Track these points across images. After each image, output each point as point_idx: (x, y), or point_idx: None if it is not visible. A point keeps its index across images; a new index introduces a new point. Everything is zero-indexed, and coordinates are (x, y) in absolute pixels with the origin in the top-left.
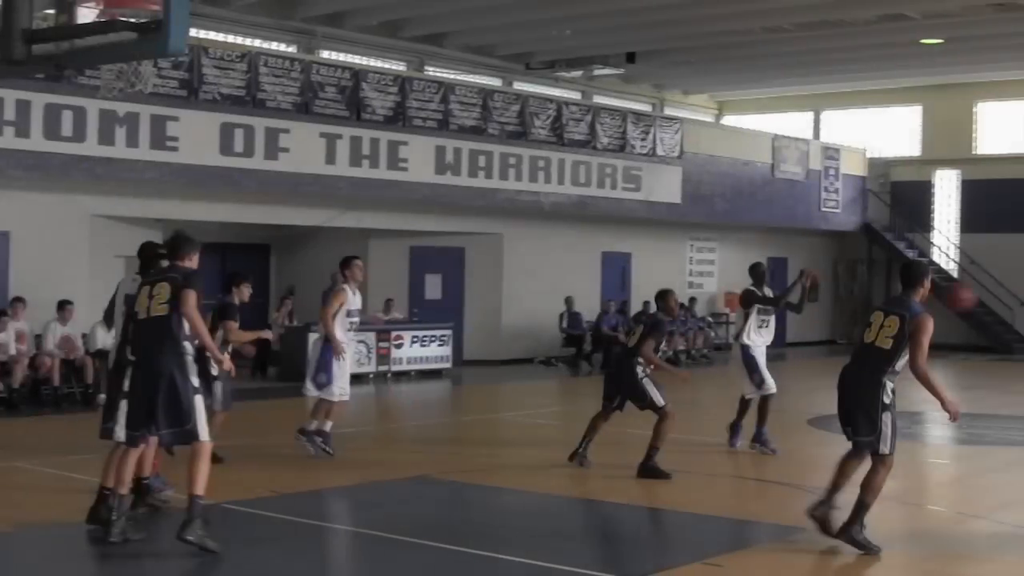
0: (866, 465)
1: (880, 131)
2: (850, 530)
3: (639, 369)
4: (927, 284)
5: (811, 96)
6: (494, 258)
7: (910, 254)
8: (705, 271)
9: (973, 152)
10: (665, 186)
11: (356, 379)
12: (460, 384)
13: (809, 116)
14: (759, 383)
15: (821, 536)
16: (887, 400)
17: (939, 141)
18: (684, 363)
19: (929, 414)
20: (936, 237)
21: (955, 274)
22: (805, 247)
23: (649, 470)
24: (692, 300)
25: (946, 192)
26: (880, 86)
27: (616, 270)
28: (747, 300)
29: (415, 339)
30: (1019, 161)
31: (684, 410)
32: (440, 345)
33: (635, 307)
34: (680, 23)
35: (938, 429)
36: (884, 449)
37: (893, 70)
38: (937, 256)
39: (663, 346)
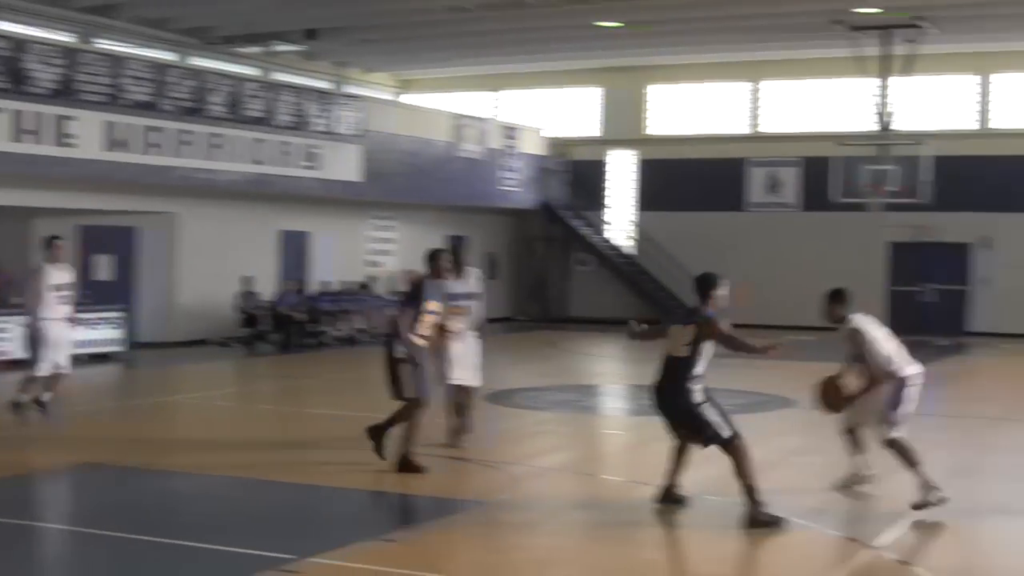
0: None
1: (559, 112)
2: (754, 515)
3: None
4: (720, 292)
5: (491, 76)
6: (167, 237)
7: (587, 232)
8: (385, 250)
9: (645, 133)
10: (345, 164)
11: (21, 364)
12: (133, 367)
13: (489, 96)
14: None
15: (497, 511)
16: (699, 399)
17: (615, 122)
18: (363, 342)
19: (602, 387)
20: (612, 215)
21: (629, 251)
22: (485, 225)
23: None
24: (372, 279)
25: (622, 172)
26: (559, 67)
27: (295, 248)
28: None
29: (84, 322)
30: (687, 142)
31: (354, 387)
32: (112, 327)
33: (314, 287)
34: (362, 0)
35: (612, 401)
36: (726, 434)
37: (571, 52)
38: (611, 234)
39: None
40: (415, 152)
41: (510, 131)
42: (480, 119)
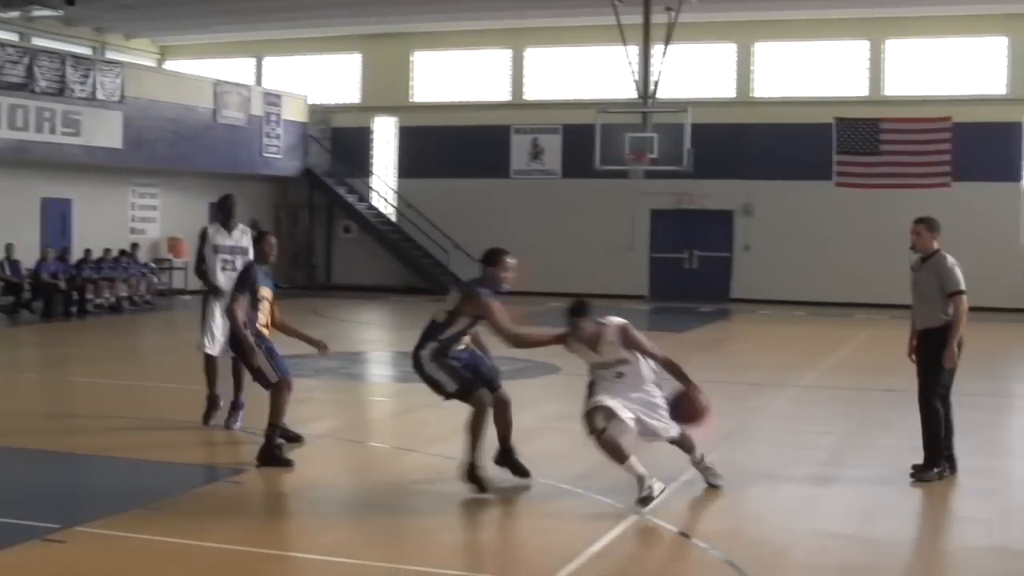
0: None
1: (321, 78)
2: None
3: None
4: (505, 267)
5: (254, 42)
6: None
7: (350, 199)
8: (148, 217)
9: (410, 100)
10: (106, 131)
11: None
12: None
13: (252, 62)
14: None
15: (260, 479)
16: (429, 359)
17: (378, 89)
18: (127, 309)
19: (368, 354)
20: (375, 182)
21: (393, 218)
22: (248, 192)
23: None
24: (135, 246)
25: (384, 138)
26: (322, 34)
27: (56, 216)
28: None
29: None
30: (449, 109)
31: (119, 355)
32: None
33: (77, 254)
34: None
35: (378, 368)
36: (451, 389)
37: (334, 18)
38: (376, 201)
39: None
40: (177, 119)
41: (272, 98)
42: (242, 86)
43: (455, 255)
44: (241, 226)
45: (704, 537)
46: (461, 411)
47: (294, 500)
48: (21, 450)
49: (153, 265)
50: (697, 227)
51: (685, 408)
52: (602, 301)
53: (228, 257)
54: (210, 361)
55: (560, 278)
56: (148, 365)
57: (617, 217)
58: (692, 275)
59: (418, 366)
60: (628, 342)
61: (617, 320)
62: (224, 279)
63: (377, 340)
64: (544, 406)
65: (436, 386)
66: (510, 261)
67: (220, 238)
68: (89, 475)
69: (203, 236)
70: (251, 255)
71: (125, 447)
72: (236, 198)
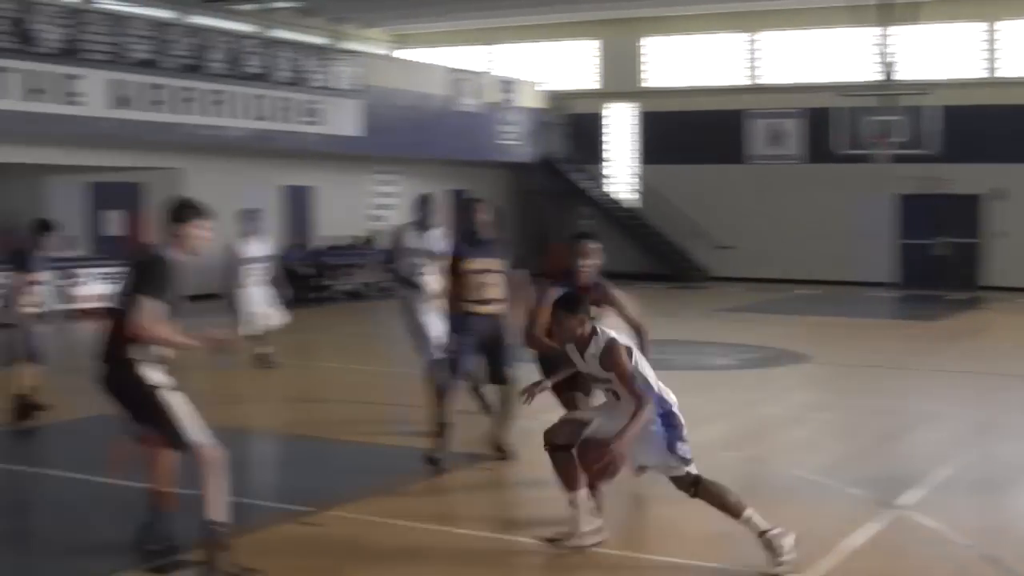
0: None
1: (556, 65)
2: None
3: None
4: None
5: (487, 29)
6: (175, 193)
7: (587, 185)
8: (389, 204)
9: (643, 85)
10: (345, 119)
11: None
12: None
13: (485, 50)
14: None
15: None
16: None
17: (613, 75)
18: (369, 296)
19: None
20: (613, 169)
21: (632, 204)
22: (487, 179)
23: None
24: (376, 233)
25: (621, 124)
26: (554, 20)
27: (299, 204)
28: None
29: (98, 276)
30: (687, 94)
31: (361, 342)
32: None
33: (318, 241)
34: None
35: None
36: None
37: (566, 4)
38: (612, 187)
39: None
40: (414, 107)
41: (507, 85)
42: (476, 73)
43: (696, 242)
44: (439, 230)
45: (967, 534)
46: (708, 397)
47: (543, 487)
48: (271, 434)
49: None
50: (945, 212)
51: (594, 452)
52: (849, 289)
53: (417, 260)
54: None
55: (804, 265)
56: (390, 351)
57: (863, 202)
58: (941, 262)
59: None
60: (608, 364)
61: (610, 335)
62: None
63: (620, 327)
64: (793, 395)
65: None
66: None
67: (412, 239)
68: (337, 458)
69: (397, 236)
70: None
71: (368, 432)
72: (433, 197)
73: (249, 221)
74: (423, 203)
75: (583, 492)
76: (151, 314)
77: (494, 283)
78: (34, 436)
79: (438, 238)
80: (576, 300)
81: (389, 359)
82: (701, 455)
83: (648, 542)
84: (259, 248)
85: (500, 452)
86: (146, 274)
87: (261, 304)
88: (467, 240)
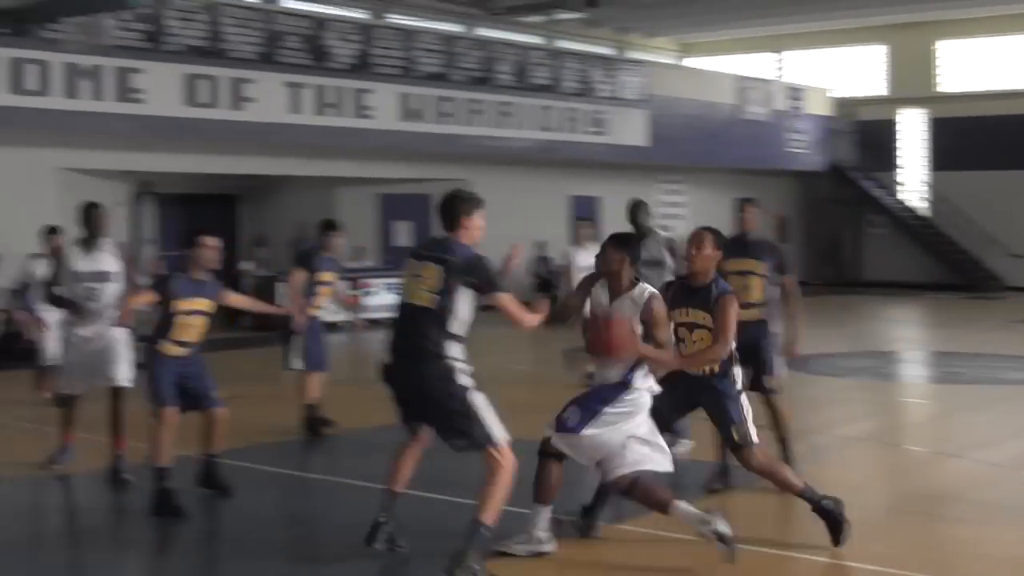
0: None
1: (844, 70)
2: None
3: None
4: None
5: (774, 37)
6: None
7: (878, 193)
8: (675, 213)
9: (936, 90)
10: (631, 129)
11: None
12: None
13: (772, 57)
14: None
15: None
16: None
17: (903, 80)
18: None
19: (902, 353)
20: (904, 176)
21: (928, 213)
22: (773, 188)
23: None
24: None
25: (912, 131)
26: (843, 25)
27: (584, 213)
28: None
29: (387, 286)
30: (984, 99)
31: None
32: None
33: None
34: None
35: (913, 368)
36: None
37: (855, 9)
38: (905, 195)
39: None
40: (700, 115)
41: (795, 92)
42: (764, 81)
43: (991, 251)
44: (665, 235)
45: None
46: (1003, 412)
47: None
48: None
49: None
50: None
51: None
52: None
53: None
54: None
55: None
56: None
57: None
58: None
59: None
60: (648, 313)
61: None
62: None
63: (911, 338)
64: None
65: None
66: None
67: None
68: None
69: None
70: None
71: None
72: (646, 204)
73: (582, 229)
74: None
75: (548, 510)
76: (517, 305)
77: (754, 286)
78: (323, 445)
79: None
80: (631, 239)
81: None
82: (996, 474)
83: (950, 566)
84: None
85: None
86: (477, 271)
87: None
88: (733, 242)
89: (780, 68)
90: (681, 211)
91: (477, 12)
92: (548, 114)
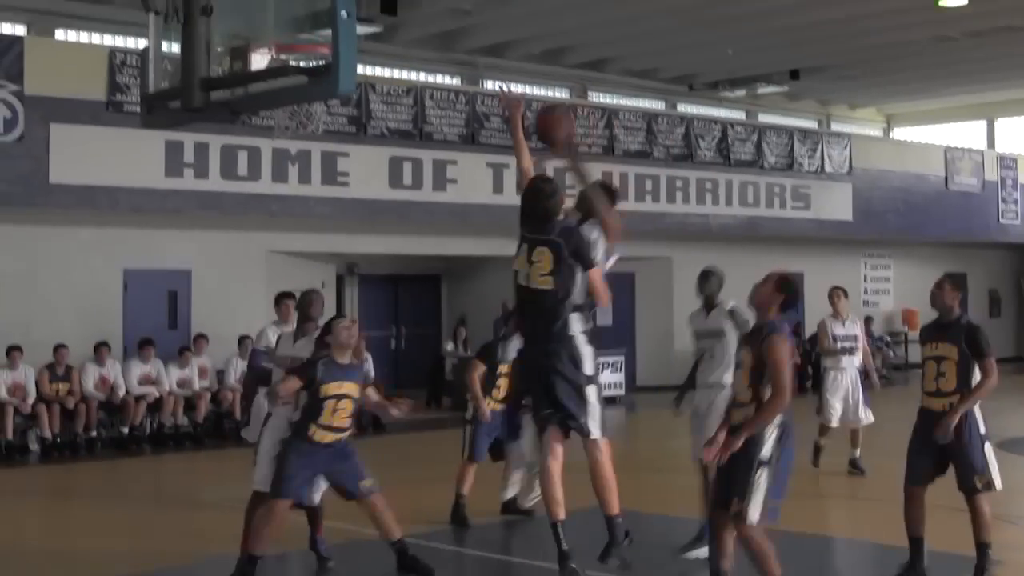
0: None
1: None
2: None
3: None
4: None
5: (983, 104)
6: (664, 282)
7: None
8: (880, 288)
9: None
10: (835, 203)
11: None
12: (635, 411)
13: (982, 125)
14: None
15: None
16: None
17: None
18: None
19: None
20: None
21: None
22: (984, 261)
23: None
24: (868, 319)
25: None
26: None
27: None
28: None
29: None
30: None
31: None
32: (612, 371)
33: (810, 328)
34: (844, 37)
35: None
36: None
37: None
38: None
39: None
40: (907, 187)
41: (1008, 161)
42: (975, 151)
43: None
44: (729, 305)
45: None
46: None
47: None
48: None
49: (888, 338)
50: None
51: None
52: None
53: (704, 343)
54: None
55: None
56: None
57: None
58: None
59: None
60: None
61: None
62: (705, 369)
63: None
64: None
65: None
66: None
67: (696, 321)
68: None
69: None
70: (730, 338)
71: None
72: (714, 274)
73: (838, 299)
74: (702, 279)
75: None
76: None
77: (943, 371)
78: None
79: (721, 315)
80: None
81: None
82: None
83: None
84: (849, 328)
85: None
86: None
87: (849, 396)
88: (928, 325)
89: (991, 136)
90: (887, 286)
91: (678, 89)
92: (750, 189)
